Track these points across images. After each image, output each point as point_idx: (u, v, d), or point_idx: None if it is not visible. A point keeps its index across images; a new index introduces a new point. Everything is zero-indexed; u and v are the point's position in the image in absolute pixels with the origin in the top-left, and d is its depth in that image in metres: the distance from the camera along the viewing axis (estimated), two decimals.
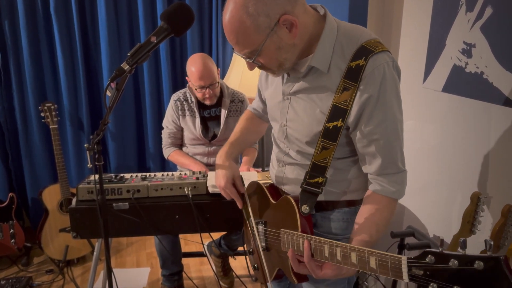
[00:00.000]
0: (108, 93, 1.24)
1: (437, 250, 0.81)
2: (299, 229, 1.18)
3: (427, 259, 0.82)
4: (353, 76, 1.08)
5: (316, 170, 1.16)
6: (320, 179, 1.16)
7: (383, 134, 1.11)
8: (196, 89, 2.34)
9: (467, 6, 1.53)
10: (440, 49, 1.67)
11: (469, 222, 1.51)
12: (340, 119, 1.11)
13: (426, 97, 1.86)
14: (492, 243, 0.79)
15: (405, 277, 0.86)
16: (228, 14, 1.04)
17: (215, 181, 1.45)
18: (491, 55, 1.43)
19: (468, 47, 1.53)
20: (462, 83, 1.57)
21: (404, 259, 0.87)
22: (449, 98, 1.71)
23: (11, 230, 2.68)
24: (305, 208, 1.17)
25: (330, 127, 1.12)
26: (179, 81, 3.34)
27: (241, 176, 1.45)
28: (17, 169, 3.15)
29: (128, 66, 1.15)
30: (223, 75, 3.22)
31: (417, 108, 1.93)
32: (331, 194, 1.26)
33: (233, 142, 1.52)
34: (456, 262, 0.77)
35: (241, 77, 2.90)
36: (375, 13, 2.11)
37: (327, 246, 1.06)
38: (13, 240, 2.70)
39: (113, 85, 1.22)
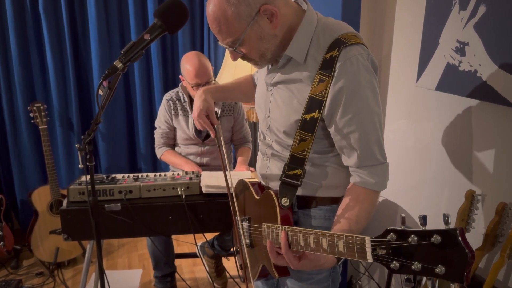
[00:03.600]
0: (100, 92, 1.22)
1: (399, 228, 0.80)
2: (279, 222, 1.18)
3: (388, 237, 0.81)
4: (327, 67, 1.09)
5: (295, 162, 1.17)
6: (298, 171, 1.17)
7: (359, 126, 1.11)
8: (192, 87, 2.31)
9: (460, 4, 1.53)
10: (433, 48, 1.67)
11: (464, 220, 1.51)
12: (317, 111, 1.11)
13: (419, 96, 1.86)
14: (449, 216, 0.79)
15: (369, 257, 0.86)
16: (211, 4, 1.08)
17: (192, 114, 1.47)
18: (485, 53, 1.43)
19: (461, 46, 1.54)
20: (455, 82, 1.57)
21: (367, 239, 0.87)
22: (442, 96, 1.72)
23: (0, 233, 2.63)
24: (284, 201, 1.18)
25: (308, 119, 1.13)
26: (170, 81, 3.31)
27: (216, 111, 1.46)
28: (6, 170, 3.10)
29: (121, 64, 1.13)
30: (215, 74, 3.20)
31: (410, 107, 1.94)
32: (311, 188, 1.26)
33: (219, 86, 1.55)
34: (415, 238, 0.77)
35: (234, 75, 2.88)
36: (368, 12, 2.11)
37: (302, 235, 1.06)
38: (2, 243, 2.65)
39: (105, 83, 1.20)
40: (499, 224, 1.42)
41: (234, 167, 2.50)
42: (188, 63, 2.27)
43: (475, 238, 1.54)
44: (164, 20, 1.15)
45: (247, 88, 1.60)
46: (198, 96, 1.45)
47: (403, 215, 0.84)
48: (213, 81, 2.34)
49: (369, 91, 1.10)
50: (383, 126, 1.17)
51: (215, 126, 1.44)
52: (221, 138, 1.45)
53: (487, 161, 1.54)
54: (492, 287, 1.41)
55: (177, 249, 2.93)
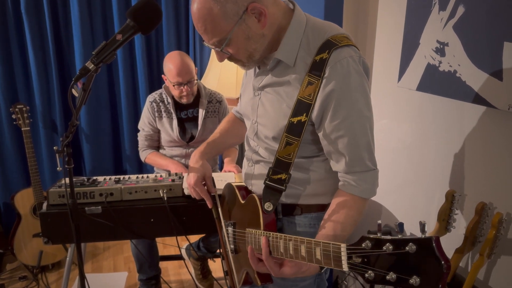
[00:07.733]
0: (75, 93, 1.20)
1: (375, 235, 0.78)
2: (262, 227, 1.15)
3: (363, 245, 0.78)
4: (317, 70, 1.06)
5: (280, 166, 1.13)
6: (283, 176, 1.13)
7: (348, 130, 1.08)
8: (174, 86, 2.28)
9: (440, 5, 1.53)
10: (414, 48, 1.68)
11: (444, 220, 1.52)
12: (304, 114, 1.08)
13: (401, 96, 1.87)
14: (425, 223, 0.76)
15: (345, 266, 0.83)
16: (196, 2, 1.04)
17: (186, 179, 1.42)
18: (464, 54, 1.44)
19: (441, 46, 1.54)
20: (436, 82, 1.58)
21: (343, 246, 0.84)
22: (423, 96, 1.72)
23: None
24: (268, 206, 1.15)
25: (295, 122, 1.10)
26: (155, 81, 3.29)
27: (212, 177, 1.42)
28: None
29: (93, 65, 1.11)
30: (200, 76, 3.18)
31: (392, 107, 1.94)
32: (296, 194, 1.23)
33: (210, 142, 1.49)
34: (391, 246, 0.74)
35: (219, 77, 2.87)
36: (351, 12, 2.11)
37: (282, 241, 1.04)
38: None
39: (80, 84, 1.18)
40: (478, 224, 1.43)
41: (221, 169, 2.49)
42: (171, 62, 2.26)
43: (455, 237, 1.55)
44: (137, 20, 1.13)
45: (236, 131, 1.54)
46: (195, 162, 1.39)
47: (379, 222, 0.82)
48: (195, 81, 2.32)
49: (360, 95, 1.07)
50: None
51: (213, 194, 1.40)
52: (220, 212, 1.38)
53: (467, 161, 1.54)
54: (472, 287, 1.42)
55: (163, 251, 2.91)
